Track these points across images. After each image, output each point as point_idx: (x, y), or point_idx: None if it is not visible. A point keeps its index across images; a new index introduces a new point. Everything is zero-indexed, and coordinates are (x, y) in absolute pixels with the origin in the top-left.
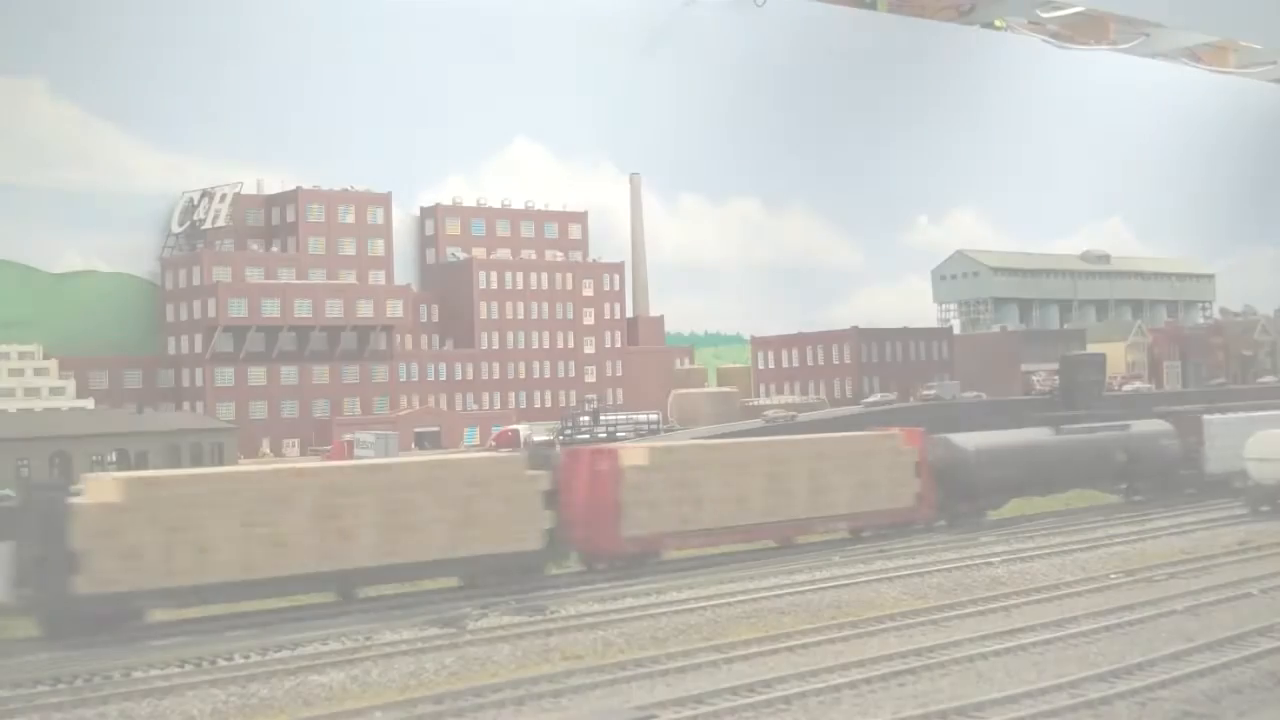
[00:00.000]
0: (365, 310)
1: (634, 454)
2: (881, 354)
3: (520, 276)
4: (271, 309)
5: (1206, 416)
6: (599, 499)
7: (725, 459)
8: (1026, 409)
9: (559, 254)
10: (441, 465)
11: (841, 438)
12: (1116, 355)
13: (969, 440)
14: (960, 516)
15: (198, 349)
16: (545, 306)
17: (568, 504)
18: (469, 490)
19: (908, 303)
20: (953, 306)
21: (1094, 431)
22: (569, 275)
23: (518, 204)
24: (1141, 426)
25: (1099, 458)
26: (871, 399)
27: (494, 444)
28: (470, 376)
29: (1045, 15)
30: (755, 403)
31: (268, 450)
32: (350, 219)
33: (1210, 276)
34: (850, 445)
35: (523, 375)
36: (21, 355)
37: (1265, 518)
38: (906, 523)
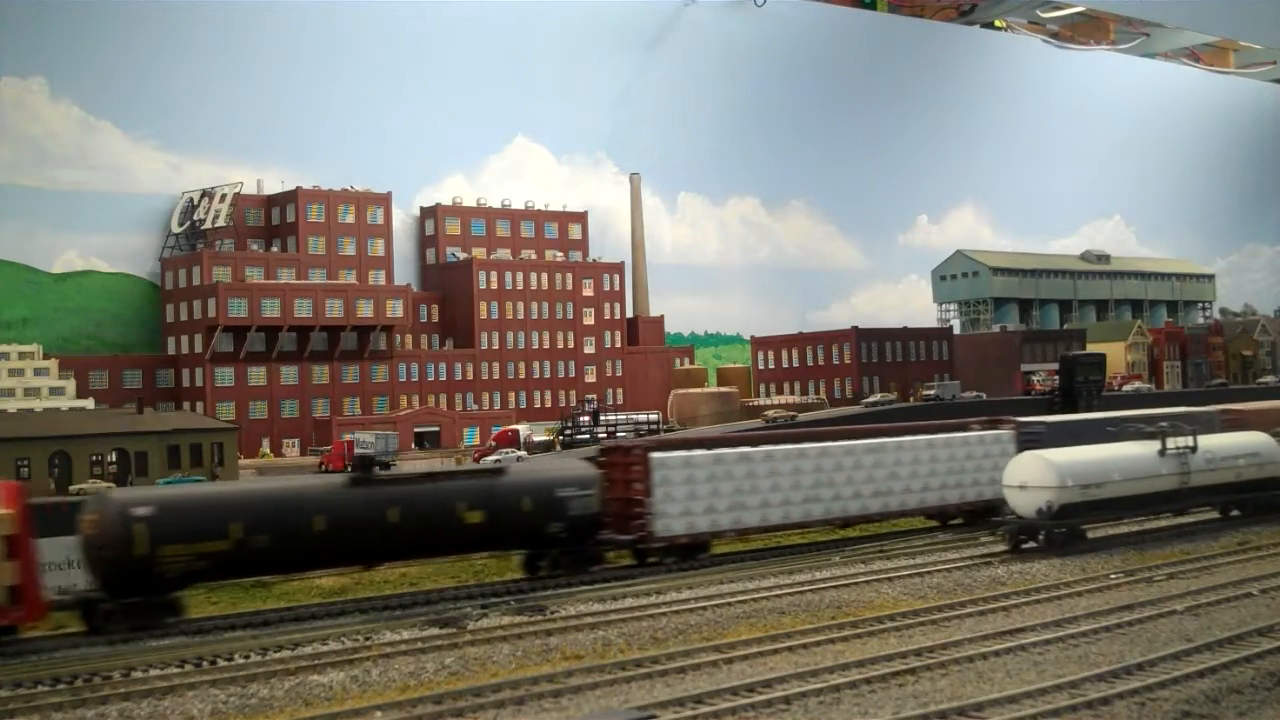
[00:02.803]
0: (365, 310)
1: None
2: (881, 354)
3: (520, 276)
4: (271, 309)
5: (658, 454)
6: None
7: None
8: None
9: (559, 254)
10: None
11: None
12: (1116, 355)
13: (133, 497)
14: (129, 612)
15: (198, 349)
16: (545, 306)
17: None
18: None
19: (908, 303)
20: (953, 306)
21: (421, 483)
22: (569, 275)
23: (518, 204)
24: (525, 474)
25: (428, 519)
26: (871, 399)
27: (494, 444)
28: (470, 376)
29: (1045, 15)
30: (755, 403)
31: (268, 450)
32: (350, 219)
33: (1210, 276)
34: None
35: (523, 375)
36: (21, 355)
37: (1028, 558)
38: None
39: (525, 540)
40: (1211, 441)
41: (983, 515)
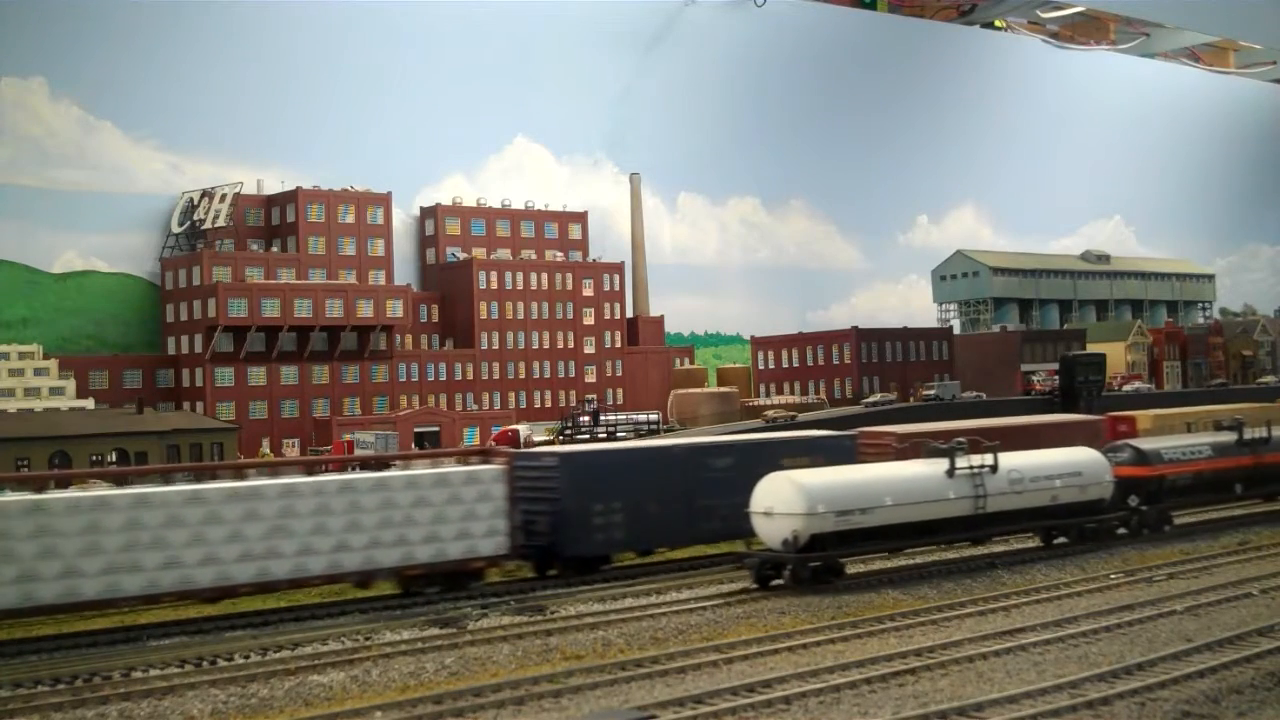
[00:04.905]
0: (365, 310)
1: None
2: (881, 354)
3: (520, 276)
4: (271, 309)
5: None
6: None
7: None
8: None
9: (559, 254)
10: None
11: None
12: (1116, 355)
13: None
14: None
15: (198, 349)
16: (545, 306)
17: None
18: None
19: (908, 303)
20: (953, 306)
21: None
22: (569, 275)
23: (518, 204)
24: None
25: None
26: (871, 399)
27: (493, 444)
28: (470, 376)
29: (1045, 15)
30: (755, 403)
31: (268, 450)
32: (350, 219)
33: (1210, 276)
34: None
35: (523, 375)
36: (21, 355)
37: (776, 596)
38: None
39: None
40: (1019, 460)
41: (455, 580)
